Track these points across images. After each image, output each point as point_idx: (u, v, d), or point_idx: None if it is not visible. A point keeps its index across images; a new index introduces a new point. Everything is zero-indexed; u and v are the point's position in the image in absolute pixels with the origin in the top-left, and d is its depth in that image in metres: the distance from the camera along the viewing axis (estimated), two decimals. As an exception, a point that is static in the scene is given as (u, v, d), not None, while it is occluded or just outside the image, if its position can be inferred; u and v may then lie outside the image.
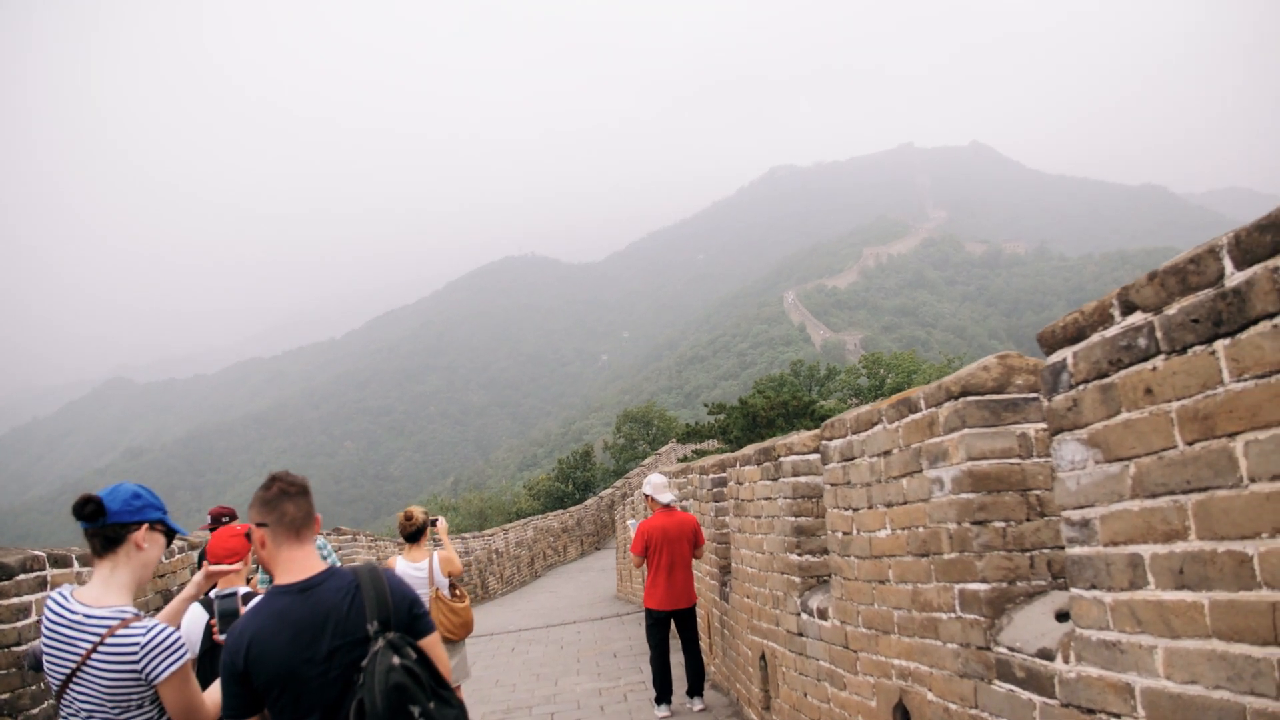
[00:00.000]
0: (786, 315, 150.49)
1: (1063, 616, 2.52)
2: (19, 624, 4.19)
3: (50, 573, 4.63)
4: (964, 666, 2.94)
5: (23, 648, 4.14)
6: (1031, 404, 2.86)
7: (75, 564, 4.83)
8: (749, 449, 5.62)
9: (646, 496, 7.15)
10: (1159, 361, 1.92)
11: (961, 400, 2.88)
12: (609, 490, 35.10)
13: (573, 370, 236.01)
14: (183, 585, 6.62)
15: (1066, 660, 2.33)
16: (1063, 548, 2.41)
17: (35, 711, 4.22)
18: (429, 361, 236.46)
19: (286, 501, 2.60)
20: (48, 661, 2.66)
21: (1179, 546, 1.89)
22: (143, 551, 2.76)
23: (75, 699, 2.61)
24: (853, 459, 3.76)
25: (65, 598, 2.69)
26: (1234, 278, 1.71)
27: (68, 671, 2.60)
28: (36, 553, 4.56)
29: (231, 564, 4.98)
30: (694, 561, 7.30)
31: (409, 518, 6.28)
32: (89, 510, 2.68)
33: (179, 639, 2.67)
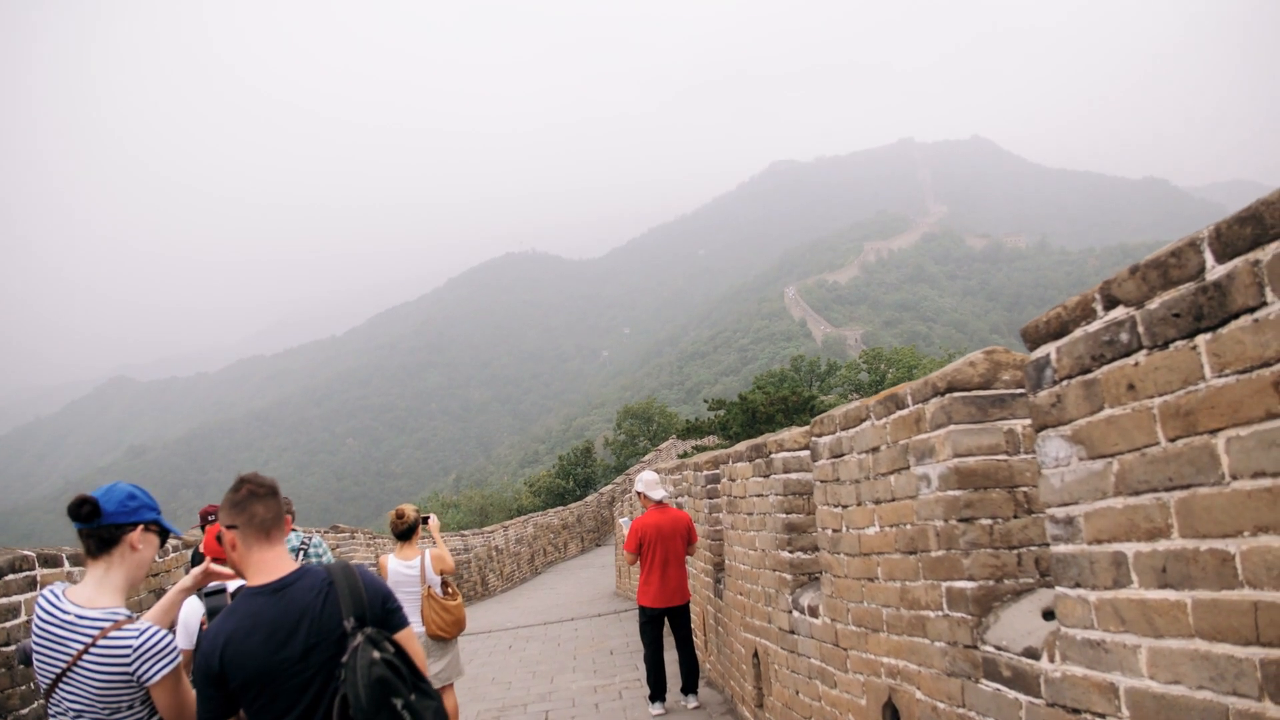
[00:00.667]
0: (787, 310, 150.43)
1: (1050, 615, 2.49)
2: (8, 624, 4.17)
3: (40, 572, 4.60)
4: (951, 665, 2.91)
5: (11, 648, 4.11)
6: (1019, 400, 2.83)
7: (66, 564, 4.80)
8: (741, 445, 5.59)
9: (639, 494, 7.13)
10: (1141, 357, 1.89)
11: (948, 396, 2.85)
12: (609, 486, 35.09)
13: (574, 367, 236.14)
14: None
15: (1052, 659, 2.30)
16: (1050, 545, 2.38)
17: (25, 712, 4.20)
18: (430, 358, 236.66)
19: (255, 503, 2.60)
20: (37, 660, 2.64)
21: (1162, 545, 1.86)
22: (137, 552, 2.75)
23: (64, 699, 2.60)
24: (842, 456, 3.73)
25: (57, 597, 2.68)
26: (1215, 271, 1.68)
27: (58, 671, 2.59)
28: (26, 553, 4.54)
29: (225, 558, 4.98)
30: (689, 558, 7.28)
31: (400, 516, 6.26)
32: (85, 511, 2.67)
33: (171, 641, 2.65)
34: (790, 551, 4.73)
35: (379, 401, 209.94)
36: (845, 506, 3.71)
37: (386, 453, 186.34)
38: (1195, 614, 1.77)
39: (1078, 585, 2.14)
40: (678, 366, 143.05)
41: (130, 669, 2.57)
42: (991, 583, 2.79)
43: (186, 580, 3.10)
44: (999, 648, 2.61)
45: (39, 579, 4.53)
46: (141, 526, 2.75)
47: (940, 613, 2.96)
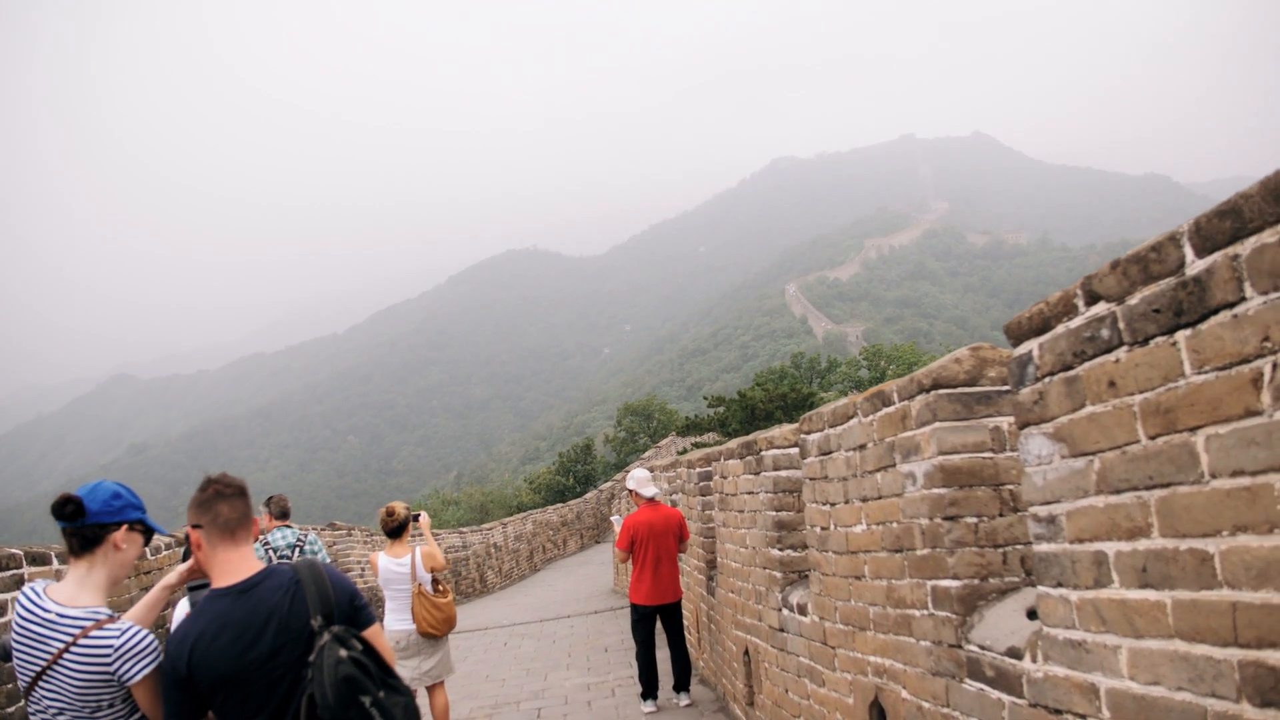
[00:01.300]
0: (788, 307, 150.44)
1: (1034, 614, 2.46)
2: (-5, 623, 4.15)
3: (28, 570, 4.58)
4: (936, 664, 2.88)
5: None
6: (1005, 397, 2.80)
7: (55, 562, 4.78)
8: (733, 443, 5.57)
9: (631, 491, 7.11)
10: (1122, 353, 1.86)
11: (933, 393, 2.82)
12: (609, 484, 35.07)
13: (575, 364, 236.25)
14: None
15: (1034, 659, 2.28)
16: (1036, 543, 2.36)
17: (11, 710, 4.18)
18: (431, 356, 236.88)
19: (221, 503, 2.59)
20: (17, 658, 2.62)
21: (1142, 544, 1.83)
22: (121, 552, 2.73)
23: (44, 697, 2.58)
24: (830, 453, 3.70)
25: (38, 595, 2.66)
26: (1195, 266, 1.65)
27: (37, 670, 2.57)
28: (13, 550, 4.52)
29: None
30: (682, 556, 7.24)
31: (391, 513, 6.24)
32: (69, 510, 2.64)
33: (153, 641, 2.63)
34: (780, 549, 4.70)
35: (380, 399, 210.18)
36: (833, 504, 3.68)
37: (388, 450, 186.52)
38: (1175, 614, 1.74)
39: (1060, 585, 2.12)
40: (678, 363, 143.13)
41: (111, 668, 2.55)
42: (976, 581, 2.76)
43: (171, 576, 3.08)
44: (983, 647, 2.59)
45: (26, 577, 4.50)
46: (126, 526, 2.73)
47: (925, 611, 2.94)
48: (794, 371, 43.14)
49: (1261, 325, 1.50)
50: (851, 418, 3.46)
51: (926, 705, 2.96)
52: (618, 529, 7.24)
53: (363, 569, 14.81)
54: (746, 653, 5.55)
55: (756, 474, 4.99)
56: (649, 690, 7.01)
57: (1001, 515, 2.78)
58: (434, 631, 6.06)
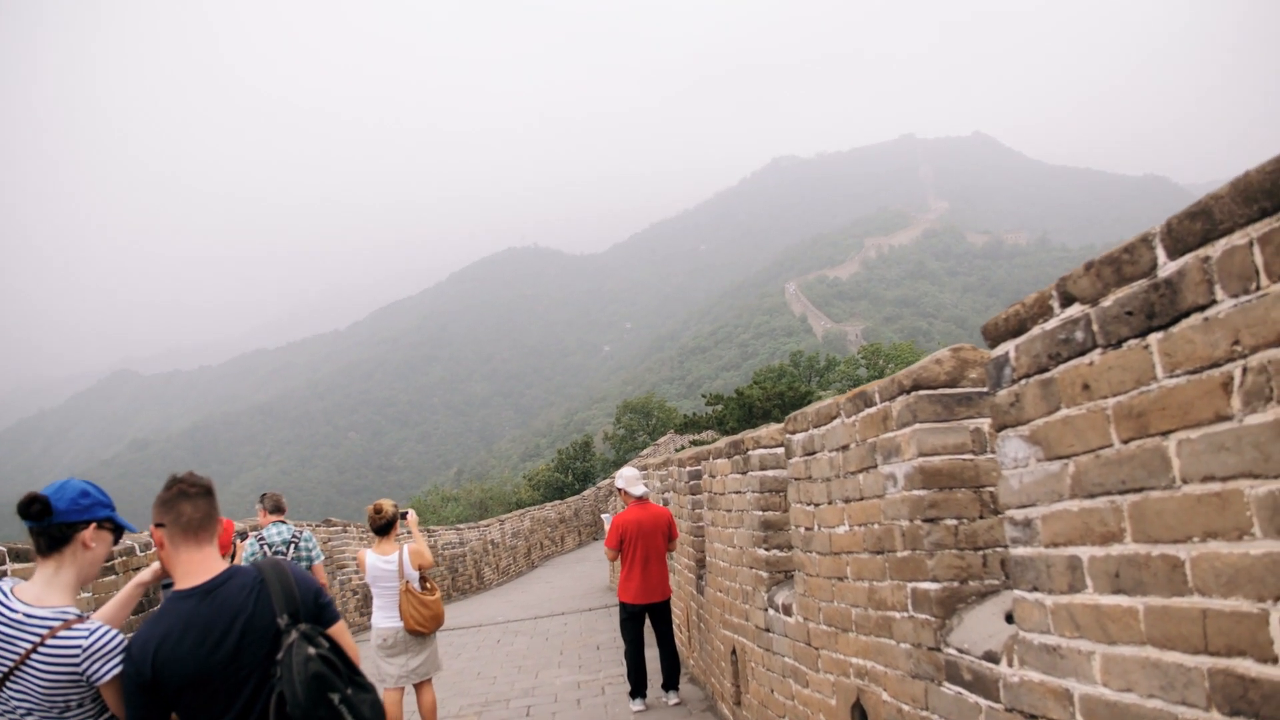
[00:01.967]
0: (788, 306, 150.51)
1: (1012, 618, 2.44)
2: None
3: (10, 566, 4.56)
4: (916, 667, 2.86)
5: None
6: (985, 398, 2.77)
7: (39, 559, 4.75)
8: (721, 442, 5.54)
9: (620, 490, 7.09)
10: (1096, 356, 1.83)
11: (913, 394, 2.79)
12: (607, 481, 35.08)
13: (575, 361, 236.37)
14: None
15: (1011, 664, 2.25)
16: (1017, 546, 2.33)
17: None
18: (432, 353, 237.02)
19: (184, 502, 2.56)
20: None
21: (1115, 549, 1.81)
22: (90, 550, 2.69)
23: (12, 697, 2.55)
24: (814, 453, 3.67)
25: (5, 595, 2.62)
26: (1166, 267, 1.62)
27: (4, 670, 2.54)
28: (-3, 546, 4.50)
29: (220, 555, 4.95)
30: (673, 555, 7.22)
31: (378, 511, 6.22)
32: (35, 509, 2.61)
33: (122, 640, 2.60)
34: (766, 549, 4.68)
35: (381, 395, 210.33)
36: (817, 505, 3.66)
37: (388, 446, 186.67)
38: (1147, 621, 1.72)
39: (1035, 589, 2.09)
40: (679, 361, 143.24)
41: (80, 668, 2.52)
42: (956, 584, 2.74)
43: (145, 574, 3.05)
44: (961, 650, 2.56)
45: (9, 573, 4.48)
46: (95, 524, 2.70)
47: (906, 614, 2.91)
48: (793, 370, 43.13)
49: (1232, 329, 1.47)
50: (835, 418, 3.43)
51: (906, 708, 2.94)
52: (607, 527, 7.23)
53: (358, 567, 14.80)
54: (734, 652, 5.53)
55: (744, 473, 4.97)
56: (637, 689, 7.00)
57: (982, 517, 2.76)
58: (422, 629, 6.04)
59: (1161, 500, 1.66)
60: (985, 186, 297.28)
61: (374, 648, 6.22)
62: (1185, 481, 1.60)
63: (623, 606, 7.05)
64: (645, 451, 37.72)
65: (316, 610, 2.64)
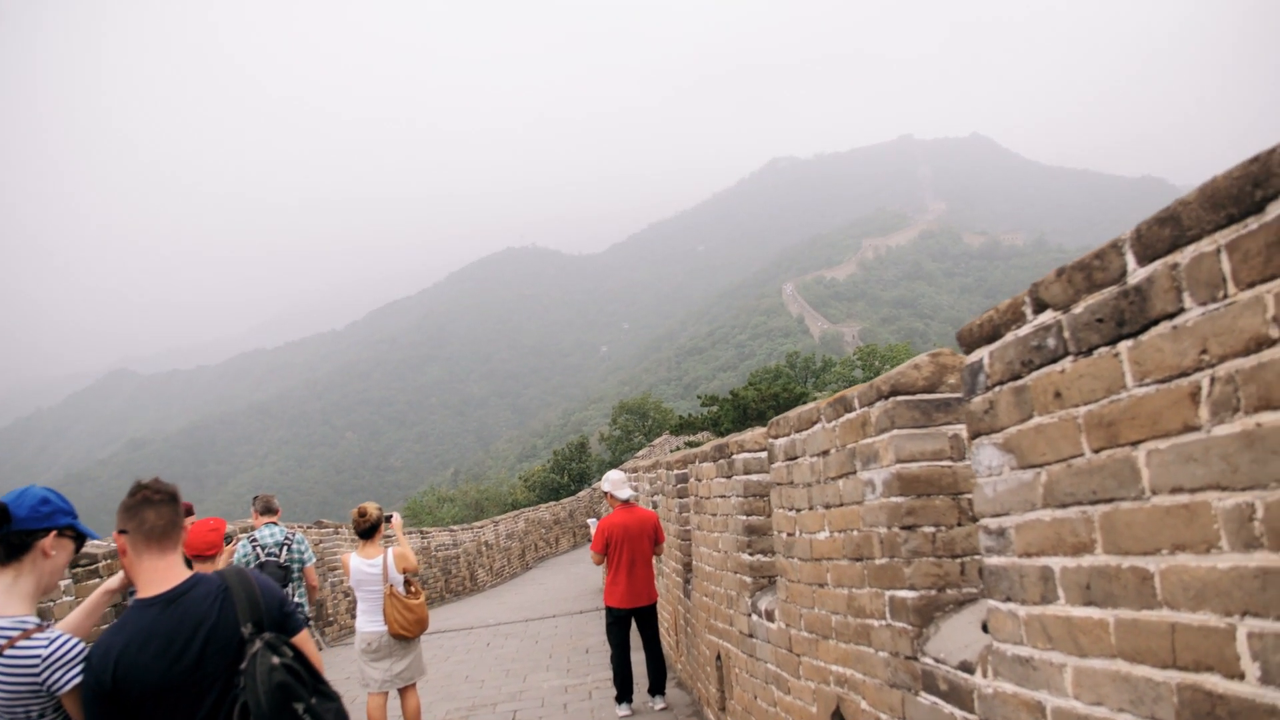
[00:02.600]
0: (785, 307, 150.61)
1: (988, 628, 2.41)
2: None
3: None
4: (893, 676, 2.83)
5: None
6: (964, 404, 2.73)
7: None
8: (707, 445, 5.51)
9: (606, 493, 7.05)
10: (1067, 363, 1.80)
11: (891, 400, 2.76)
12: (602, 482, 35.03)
13: (573, 361, 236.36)
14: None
15: (985, 675, 2.22)
16: (995, 554, 2.30)
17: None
18: (430, 353, 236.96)
19: (148, 509, 2.51)
20: None
21: (1086, 560, 1.78)
22: (50, 559, 2.64)
23: None
24: (796, 458, 3.64)
25: None
26: (1136, 274, 1.59)
27: None
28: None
29: (210, 554, 4.93)
30: (662, 558, 7.19)
31: (362, 514, 6.17)
32: None
33: (82, 649, 2.56)
34: (750, 554, 4.65)
35: (379, 395, 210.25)
36: (798, 510, 3.63)
37: (386, 446, 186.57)
38: (1117, 634, 1.69)
39: (1009, 599, 2.06)
40: (676, 362, 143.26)
41: (39, 678, 2.48)
42: (933, 592, 2.70)
43: (113, 581, 3.00)
44: (938, 660, 2.53)
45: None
46: (55, 532, 2.65)
47: (884, 622, 2.88)
48: (789, 371, 43.13)
49: (1200, 338, 1.44)
50: (816, 423, 3.40)
51: (884, 717, 2.90)
52: (593, 531, 7.20)
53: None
54: (719, 657, 5.49)
55: (728, 477, 4.93)
56: (624, 693, 6.95)
57: (960, 525, 2.72)
58: (406, 633, 6.00)
59: (1131, 511, 1.63)
60: (983, 187, 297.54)
61: (358, 652, 6.19)
62: (1154, 493, 1.57)
63: (609, 611, 7.01)
64: (641, 453, 37.69)
65: (281, 619, 2.61)
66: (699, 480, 5.78)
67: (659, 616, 8.39)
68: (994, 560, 2.11)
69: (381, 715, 6.13)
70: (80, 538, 2.74)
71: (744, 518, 4.67)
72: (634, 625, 7.13)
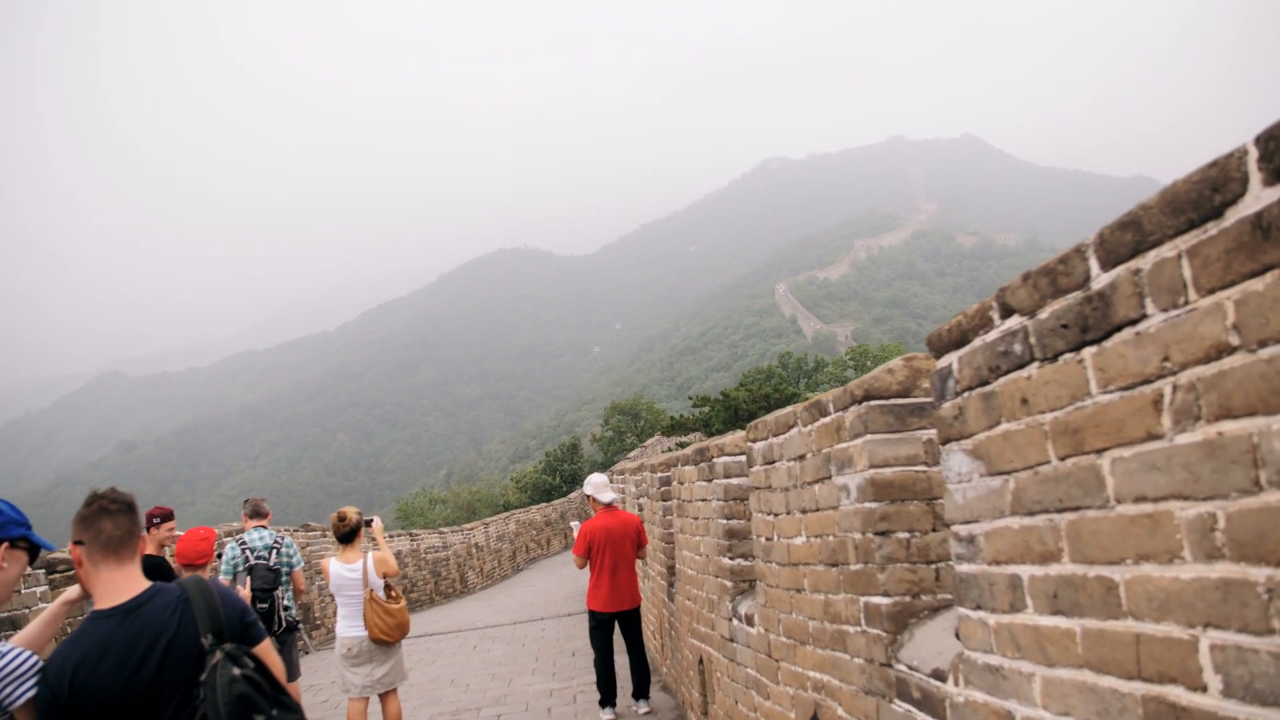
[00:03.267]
0: (778, 307, 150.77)
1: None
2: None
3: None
4: (868, 683, 2.80)
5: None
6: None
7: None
8: (688, 449, 5.48)
9: (588, 496, 7.02)
10: (1034, 370, 1.78)
11: (864, 405, 2.74)
12: (594, 484, 34.93)
13: (565, 362, 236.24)
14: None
15: (957, 683, 2.20)
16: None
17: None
18: (422, 354, 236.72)
19: (104, 519, 2.47)
20: None
21: (1054, 569, 1.75)
22: (2, 571, 2.60)
23: None
24: (773, 462, 3.61)
25: None
26: (1099, 280, 1.56)
27: None
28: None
29: (201, 563, 4.90)
30: (647, 561, 7.15)
31: (342, 519, 6.13)
32: None
33: (36, 662, 2.51)
34: (731, 558, 4.62)
35: (371, 397, 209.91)
36: (776, 515, 3.60)
37: (378, 448, 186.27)
38: (1084, 643, 1.66)
39: (979, 607, 2.04)
40: (669, 363, 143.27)
41: None
42: (908, 599, 2.68)
43: (71, 592, 2.96)
44: (911, 668, 2.51)
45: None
46: (7, 544, 2.60)
47: (859, 628, 2.86)
48: (781, 371, 43.14)
49: (1162, 344, 1.42)
50: (792, 427, 3.37)
51: (859, 725, 2.88)
52: (575, 535, 7.15)
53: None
54: (701, 661, 5.46)
55: (709, 481, 4.90)
56: (607, 698, 6.91)
57: (935, 530, 2.70)
58: (386, 638, 5.95)
59: (1097, 520, 1.61)
60: (975, 188, 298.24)
61: (338, 657, 6.14)
62: (1119, 501, 1.54)
63: (591, 615, 6.98)
64: (633, 454, 37.66)
65: (242, 629, 2.58)
66: (681, 483, 5.76)
67: (646, 620, 8.35)
68: (964, 568, 2.09)
69: (362, 720, 6.09)
70: (34, 549, 2.70)
71: (724, 521, 4.64)
72: (618, 629, 7.10)
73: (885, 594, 2.68)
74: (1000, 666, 1.96)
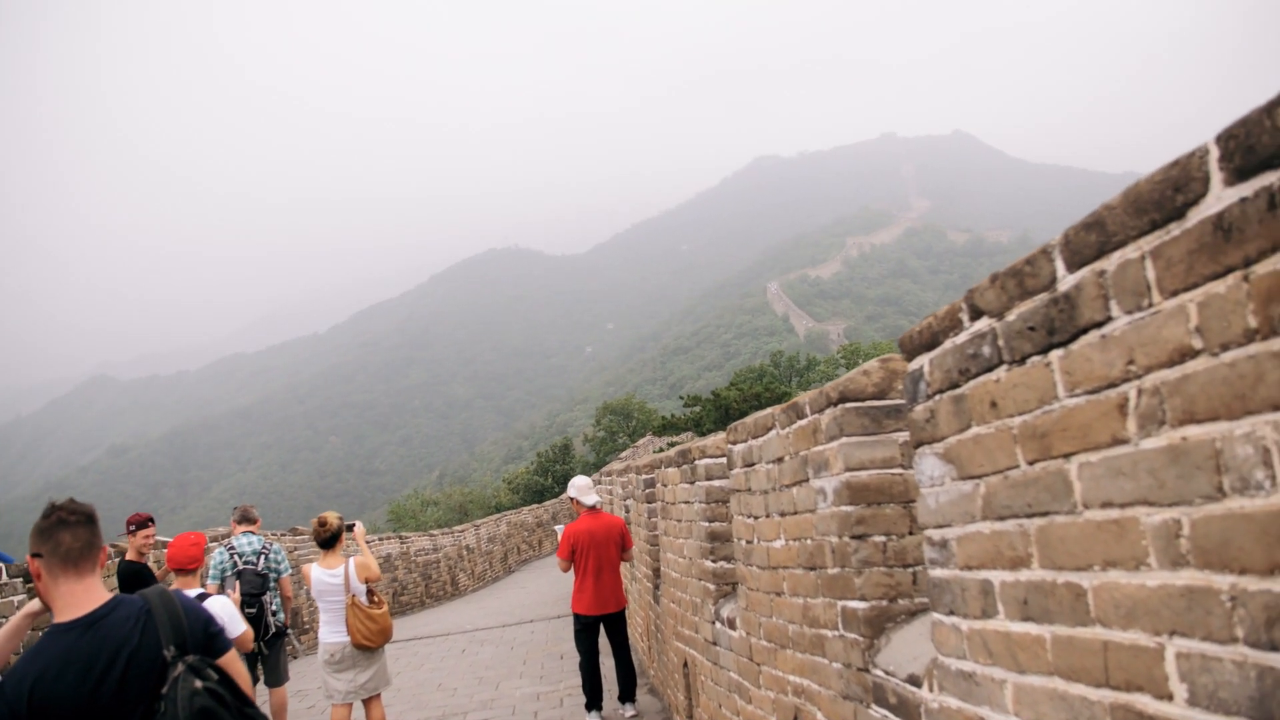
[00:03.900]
0: (770, 306, 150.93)
1: (937, 639, 2.36)
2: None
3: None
4: (846, 688, 2.78)
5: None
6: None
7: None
8: (671, 451, 5.45)
9: (572, 499, 6.99)
10: (1002, 373, 1.75)
11: (839, 407, 2.71)
12: (586, 483, 34.87)
13: (557, 363, 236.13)
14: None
15: (931, 689, 2.17)
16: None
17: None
18: (413, 355, 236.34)
19: (63, 531, 2.43)
20: None
21: (1024, 575, 1.73)
22: None
23: None
24: (753, 465, 3.58)
25: None
26: (1065, 281, 1.54)
27: None
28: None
29: (192, 568, 4.86)
30: (634, 564, 7.11)
31: (323, 524, 6.09)
32: None
33: None
34: (713, 561, 4.59)
35: (362, 399, 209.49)
36: (756, 517, 3.57)
37: (370, 450, 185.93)
38: (1054, 650, 1.64)
39: (952, 612, 2.02)
40: (661, 362, 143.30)
41: None
42: (884, 603, 2.65)
43: (33, 604, 2.92)
44: (887, 673, 2.48)
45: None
46: None
47: (837, 632, 2.83)
48: (773, 370, 43.17)
49: (1127, 347, 1.39)
50: (771, 429, 3.34)
51: (838, 730, 2.85)
52: (559, 537, 7.12)
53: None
54: (686, 664, 5.43)
55: (691, 483, 4.87)
56: (593, 701, 6.87)
57: (911, 533, 2.67)
58: (369, 643, 5.90)
59: (1065, 526, 1.58)
60: (966, 185, 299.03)
61: (321, 663, 6.10)
62: (1086, 507, 1.52)
63: (576, 618, 6.94)
64: (625, 454, 37.63)
65: (206, 640, 2.55)
66: (665, 485, 5.72)
67: (634, 622, 8.32)
68: (937, 572, 2.07)
69: (346, 728, 6.05)
70: None
71: (707, 524, 4.61)
72: (603, 632, 7.07)
73: (862, 598, 2.66)
74: (973, 673, 1.94)
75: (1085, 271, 1.48)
